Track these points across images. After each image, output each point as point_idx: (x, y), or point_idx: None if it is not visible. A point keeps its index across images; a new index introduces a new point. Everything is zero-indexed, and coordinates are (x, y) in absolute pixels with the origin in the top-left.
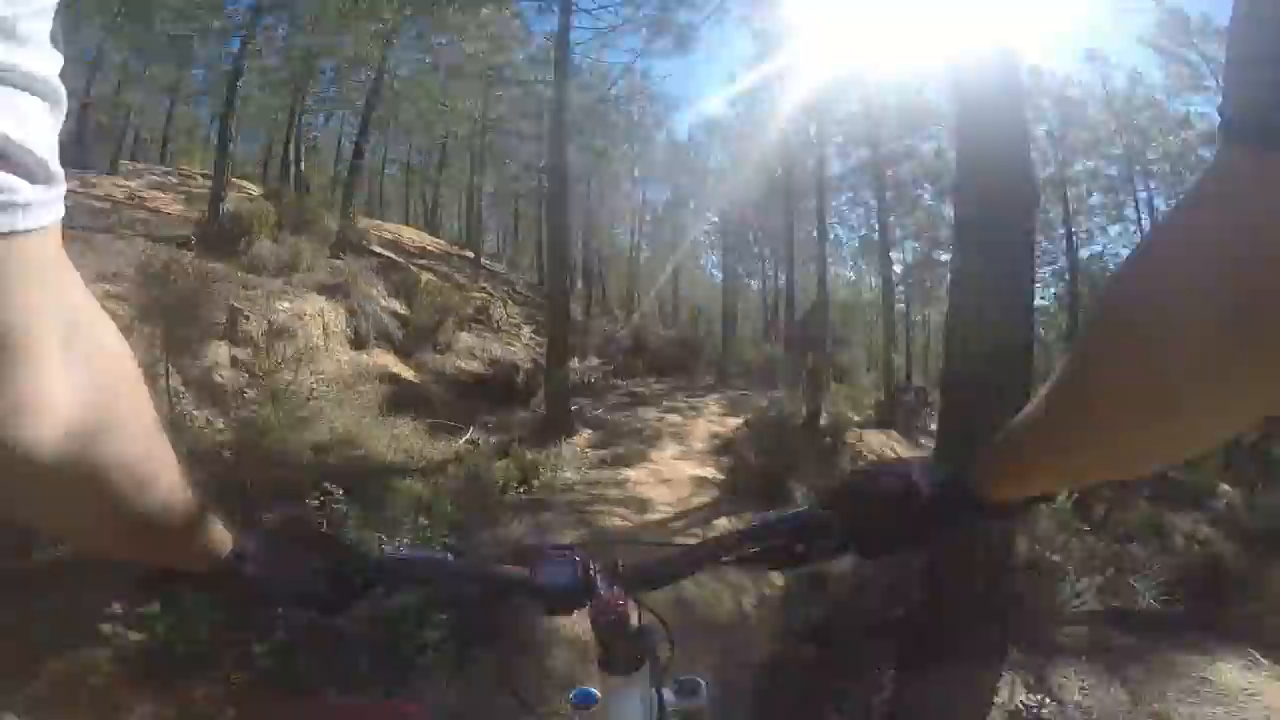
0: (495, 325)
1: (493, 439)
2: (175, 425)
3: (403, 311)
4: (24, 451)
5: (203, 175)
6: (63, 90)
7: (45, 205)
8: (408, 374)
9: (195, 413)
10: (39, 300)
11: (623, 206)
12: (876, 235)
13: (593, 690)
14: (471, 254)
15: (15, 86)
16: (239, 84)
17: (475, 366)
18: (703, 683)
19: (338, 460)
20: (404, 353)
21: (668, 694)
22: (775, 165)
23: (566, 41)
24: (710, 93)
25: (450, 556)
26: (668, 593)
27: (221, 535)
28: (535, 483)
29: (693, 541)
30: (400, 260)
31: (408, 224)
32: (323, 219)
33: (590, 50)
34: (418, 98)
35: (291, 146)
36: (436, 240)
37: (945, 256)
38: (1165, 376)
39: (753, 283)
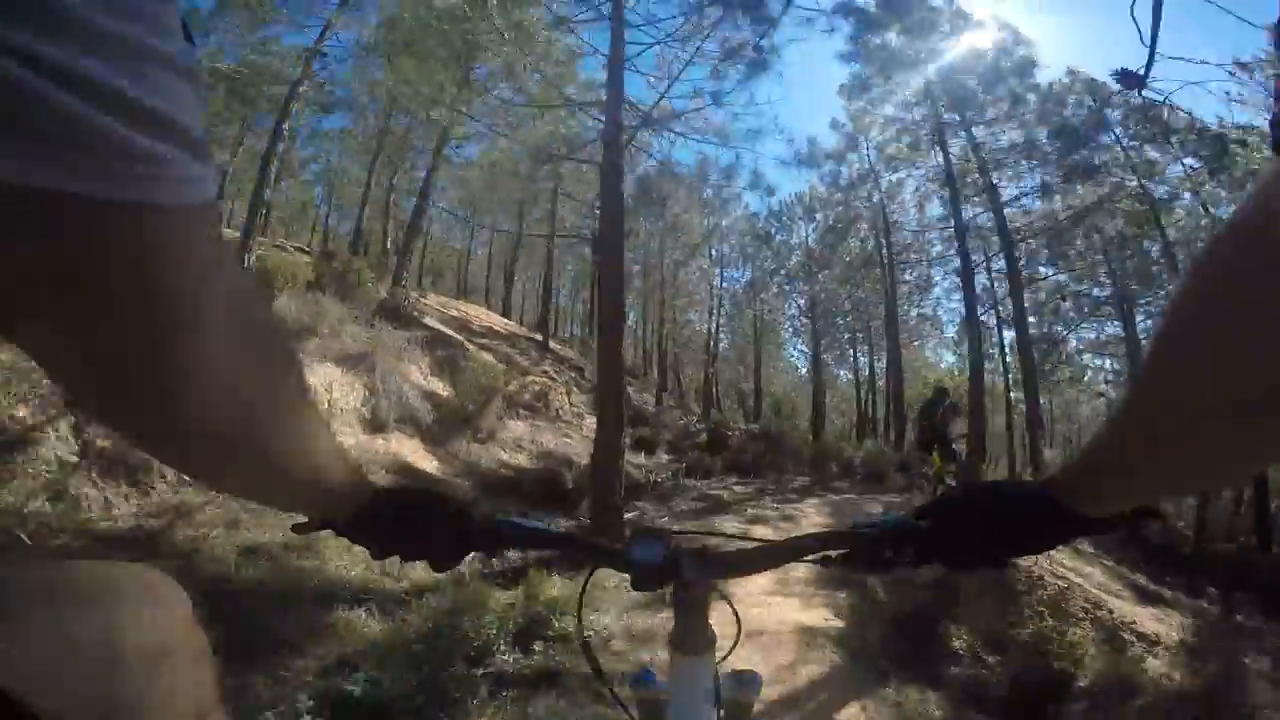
0: (554, 414)
1: (512, 556)
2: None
3: (443, 392)
4: (197, 415)
5: (296, 246)
6: (201, 76)
7: (207, 180)
8: (429, 466)
9: (90, 491)
10: (206, 270)
11: (699, 288)
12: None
13: (651, 671)
14: (540, 336)
15: (173, 71)
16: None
17: (520, 459)
18: (759, 676)
19: (263, 573)
20: (433, 439)
21: (726, 681)
22: (869, 233)
23: (619, 79)
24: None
25: (554, 526)
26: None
27: (363, 486)
28: (547, 635)
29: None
30: (454, 335)
31: (488, 307)
32: (368, 284)
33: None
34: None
35: (362, 212)
36: (508, 321)
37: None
38: (1236, 387)
39: (842, 372)
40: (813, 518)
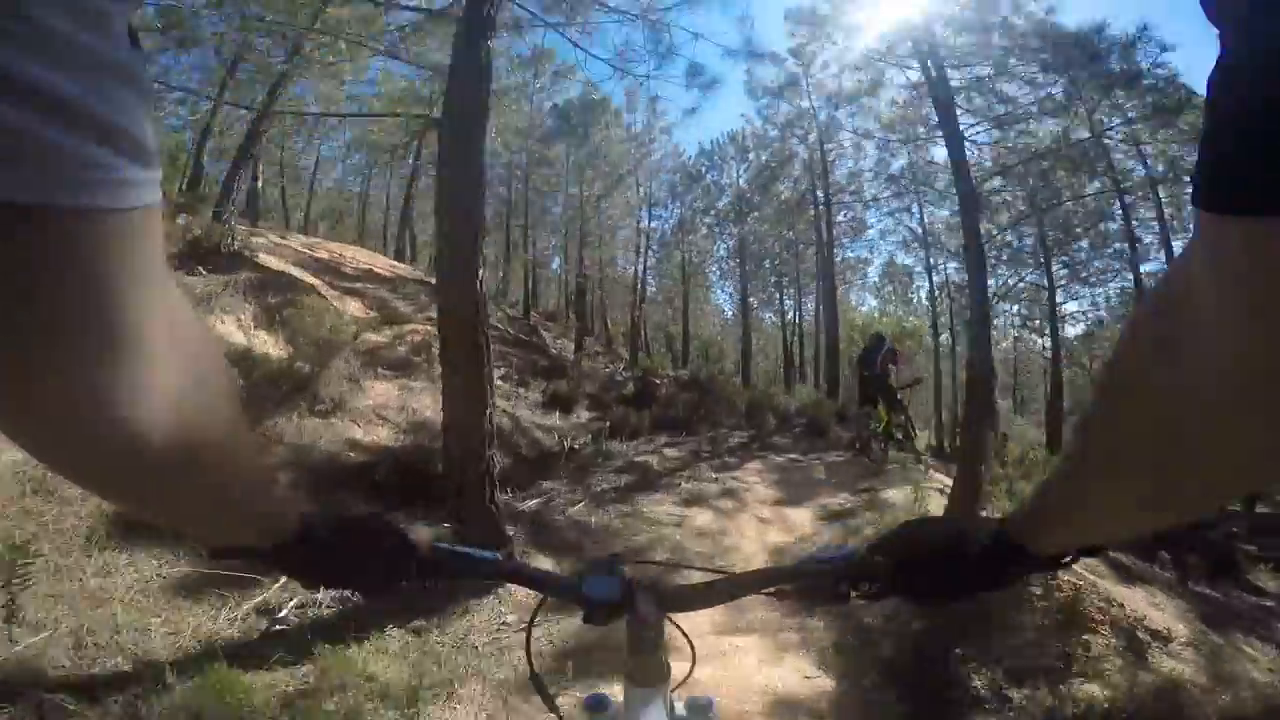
0: (437, 372)
1: (324, 599)
2: None
3: (274, 351)
4: (127, 431)
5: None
6: (149, 82)
7: (148, 185)
8: None
9: None
10: (147, 277)
11: (624, 224)
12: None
13: (605, 695)
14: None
15: (115, 78)
16: None
17: (381, 435)
18: (714, 701)
19: None
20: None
21: (681, 709)
22: (804, 174)
23: None
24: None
25: (500, 556)
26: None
27: (291, 511)
28: None
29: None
30: (306, 279)
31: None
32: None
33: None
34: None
35: (202, 144)
36: (395, 264)
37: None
38: (1177, 439)
39: (767, 316)
40: (759, 490)
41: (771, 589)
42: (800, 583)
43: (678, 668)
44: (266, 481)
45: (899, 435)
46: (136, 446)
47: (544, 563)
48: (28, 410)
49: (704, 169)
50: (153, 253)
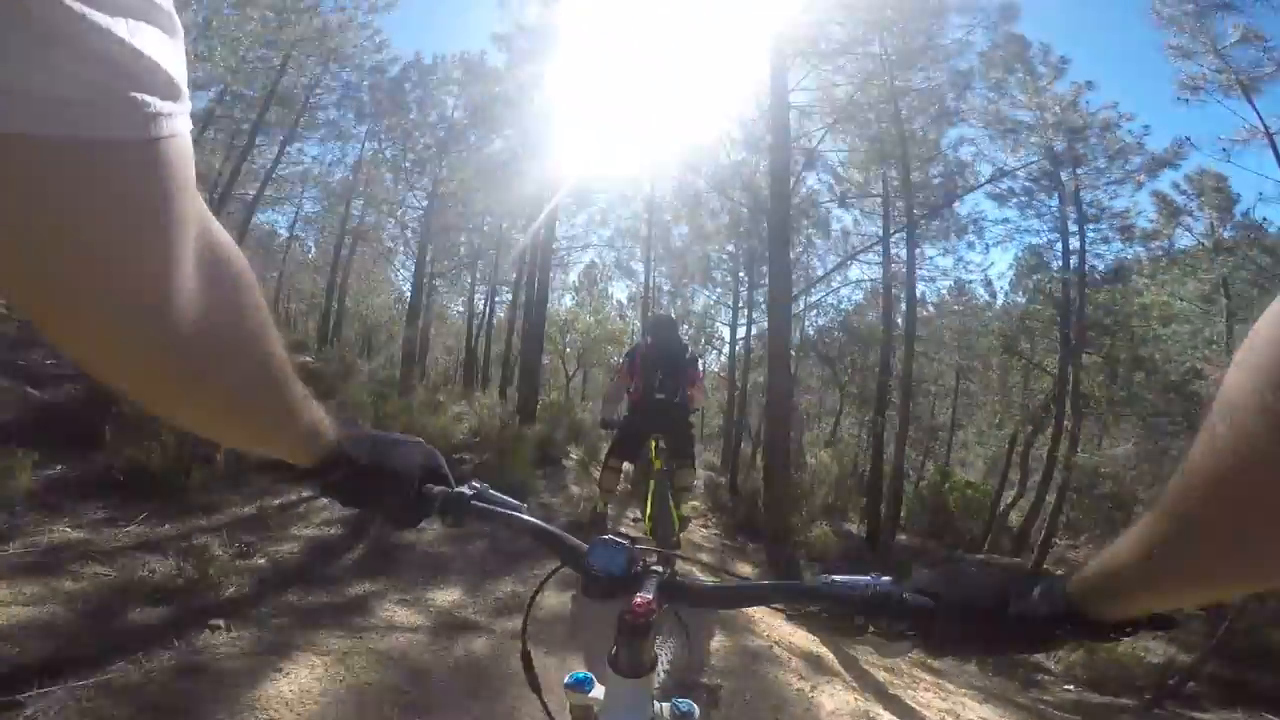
0: None
1: None
2: None
3: None
4: (163, 320)
5: None
6: (179, 23)
7: (176, 117)
8: None
9: None
10: (178, 198)
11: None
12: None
13: (590, 676)
14: None
15: (145, 20)
16: None
17: None
18: (697, 709)
19: None
20: None
21: (665, 708)
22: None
23: None
24: None
25: (525, 507)
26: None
27: (329, 431)
28: None
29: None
30: None
31: None
32: None
33: None
34: None
35: None
36: None
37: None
38: None
39: (455, 306)
40: None
41: (787, 606)
42: (817, 604)
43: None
44: (303, 399)
45: (675, 525)
46: (168, 341)
47: None
48: (80, 297)
49: (410, 87)
50: (182, 175)
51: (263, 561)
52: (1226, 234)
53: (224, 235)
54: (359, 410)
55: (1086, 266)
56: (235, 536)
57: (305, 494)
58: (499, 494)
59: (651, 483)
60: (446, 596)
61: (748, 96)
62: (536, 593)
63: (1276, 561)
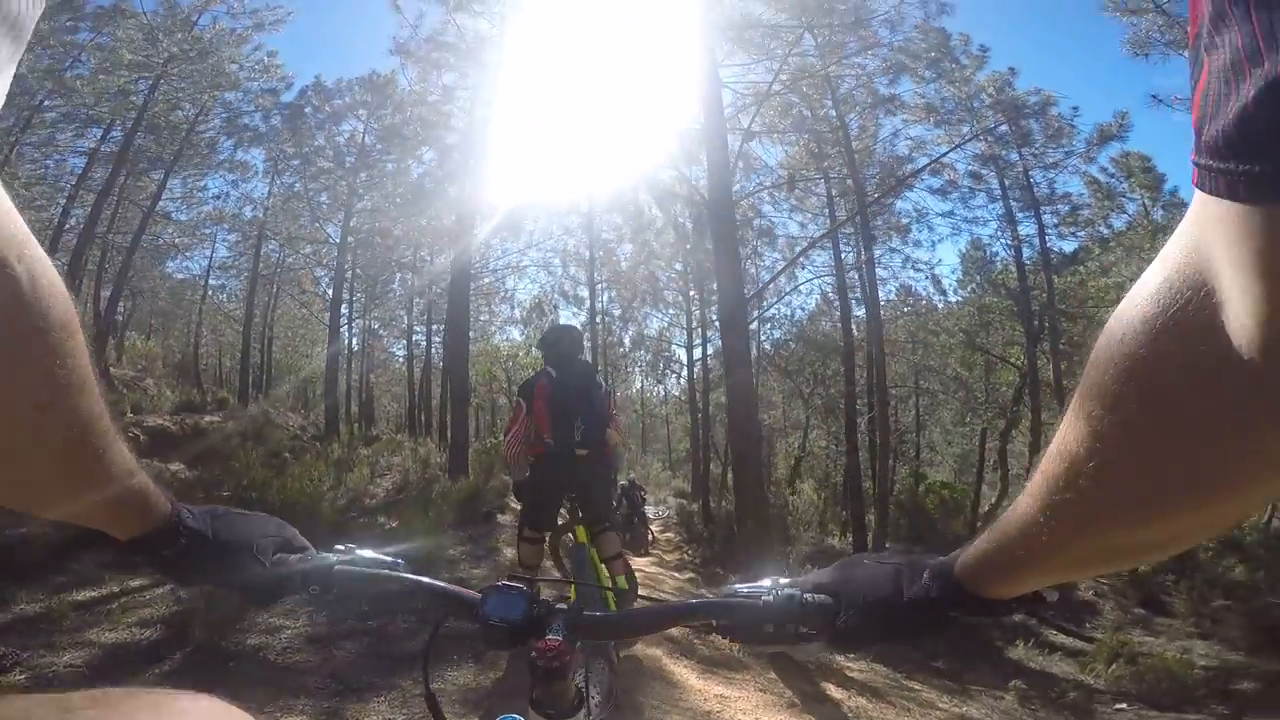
0: None
1: None
2: None
3: None
4: None
5: None
6: (26, 28)
7: None
8: None
9: None
10: None
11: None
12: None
13: (518, 717)
14: None
15: None
16: None
17: None
18: None
19: None
20: None
21: None
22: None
23: None
24: None
25: (401, 564)
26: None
27: (159, 502)
28: None
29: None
30: None
31: None
32: None
33: None
34: None
35: None
36: None
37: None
38: (1190, 455)
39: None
40: None
41: (695, 624)
42: (726, 619)
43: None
44: (128, 464)
45: (611, 604)
46: None
47: None
48: None
49: (309, 110)
50: None
51: (21, 678)
52: (1157, 216)
53: (45, 268)
54: (251, 474)
55: (1046, 250)
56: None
57: (123, 586)
58: (373, 554)
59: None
60: None
61: (680, 91)
62: (429, 645)
63: (1145, 539)
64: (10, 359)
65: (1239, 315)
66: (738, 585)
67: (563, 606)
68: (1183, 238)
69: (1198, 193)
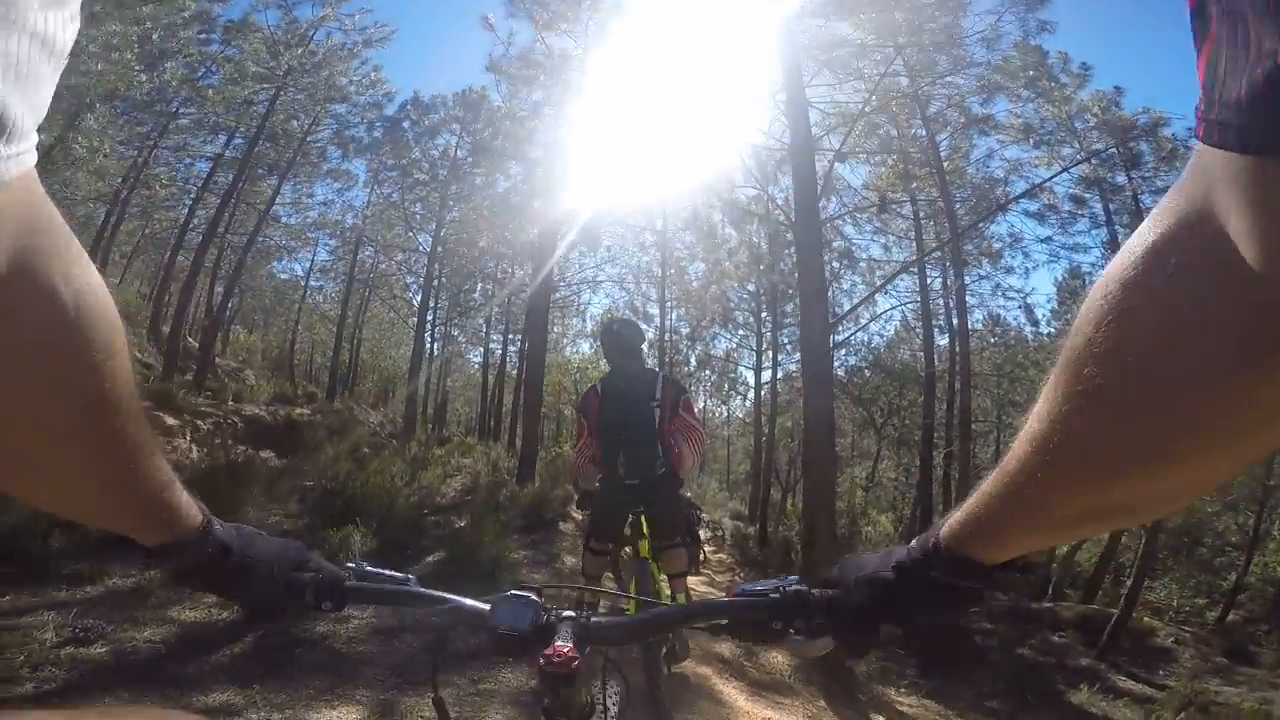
0: None
1: None
2: None
3: None
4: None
5: None
6: (64, 48)
7: (17, 158)
8: None
9: None
10: (30, 233)
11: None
12: None
13: None
14: None
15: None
16: None
17: None
18: None
19: None
20: None
21: None
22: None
23: None
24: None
25: (411, 579)
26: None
27: (190, 514)
28: None
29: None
30: None
31: None
32: None
33: None
34: None
35: None
36: None
37: None
38: (1169, 414)
39: (474, 357)
40: None
41: (703, 625)
42: (733, 617)
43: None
44: (162, 473)
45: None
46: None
47: None
48: None
49: (407, 124)
50: (32, 212)
51: (102, 651)
52: None
53: (93, 291)
54: (336, 467)
55: None
56: (87, 615)
57: None
58: (382, 570)
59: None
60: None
61: (762, 110)
62: (436, 656)
63: (1127, 499)
64: (50, 376)
65: (1253, 254)
66: (746, 585)
67: (570, 614)
68: (1183, 191)
69: (1205, 147)
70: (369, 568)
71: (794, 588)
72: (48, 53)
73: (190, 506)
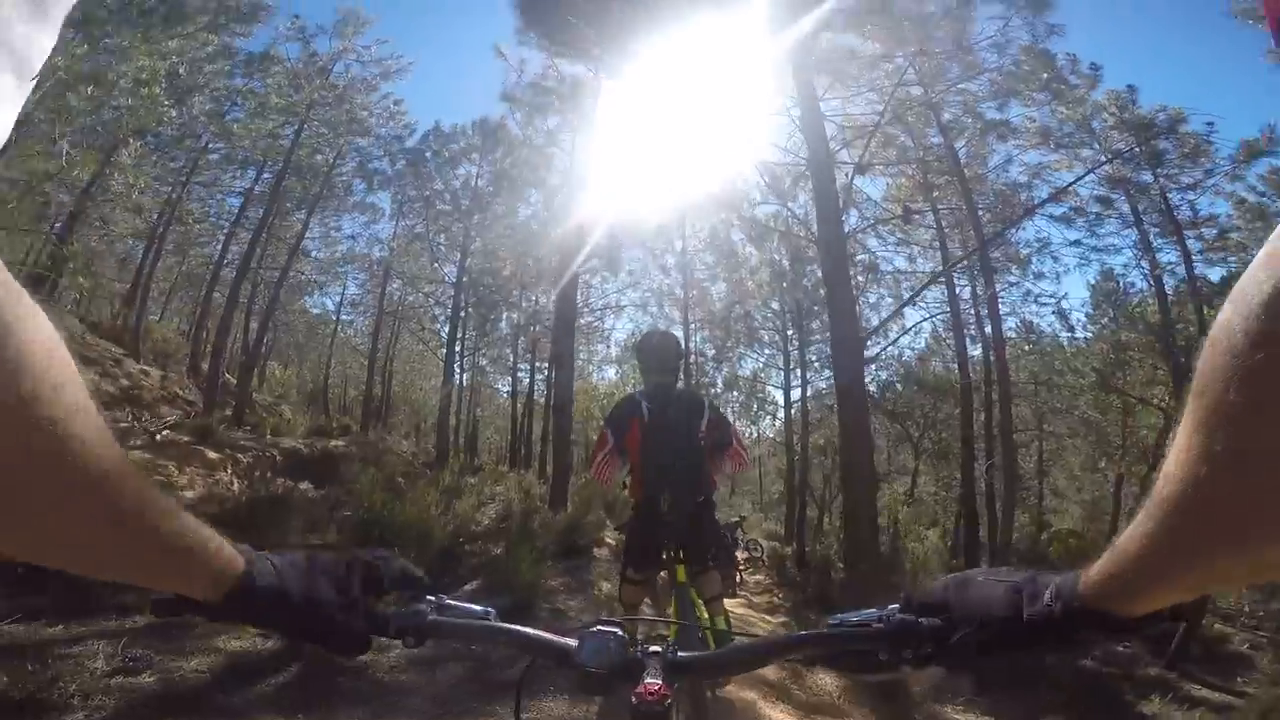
0: None
1: None
2: None
3: None
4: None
5: None
6: (33, 70)
7: None
8: None
9: None
10: None
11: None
12: None
13: None
14: None
15: None
16: None
17: None
18: None
19: None
20: None
21: None
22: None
23: None
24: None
25: (493, 613)
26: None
27: (231, 558)
28: None
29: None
30: None
31: None
32: None
33: None
34: None
35: None
36: None
37: None
38: None
39: (502, 385)
40: None
41: (799, 657)
42: (834, 648)
43: None
44: (191, 525)
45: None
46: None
47: None
48: None
49: (429, 154)
50: None
51: (150, 680)
52: None
53: (45, 343)
54: (372, 497)
55: (1194, 278)
56: (135, 645)
57: None
58: (463, 604)
59: (673, 599)
60: None
61: (777, 126)
62: (520, 689)
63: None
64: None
65: None
66: (842, 615)
67: (657, 649)
68: None
69: None
70: (448, 600)
71: (898, 616)
72: (17, 75)
73: (228, 549)
